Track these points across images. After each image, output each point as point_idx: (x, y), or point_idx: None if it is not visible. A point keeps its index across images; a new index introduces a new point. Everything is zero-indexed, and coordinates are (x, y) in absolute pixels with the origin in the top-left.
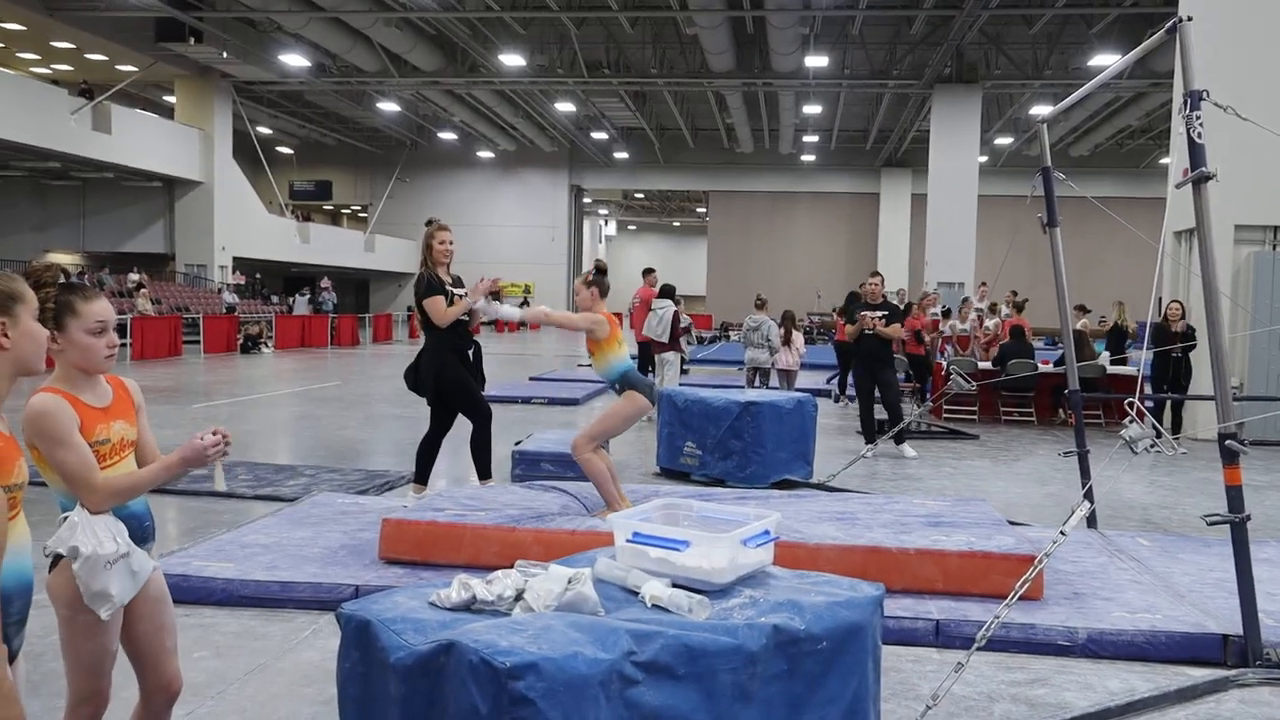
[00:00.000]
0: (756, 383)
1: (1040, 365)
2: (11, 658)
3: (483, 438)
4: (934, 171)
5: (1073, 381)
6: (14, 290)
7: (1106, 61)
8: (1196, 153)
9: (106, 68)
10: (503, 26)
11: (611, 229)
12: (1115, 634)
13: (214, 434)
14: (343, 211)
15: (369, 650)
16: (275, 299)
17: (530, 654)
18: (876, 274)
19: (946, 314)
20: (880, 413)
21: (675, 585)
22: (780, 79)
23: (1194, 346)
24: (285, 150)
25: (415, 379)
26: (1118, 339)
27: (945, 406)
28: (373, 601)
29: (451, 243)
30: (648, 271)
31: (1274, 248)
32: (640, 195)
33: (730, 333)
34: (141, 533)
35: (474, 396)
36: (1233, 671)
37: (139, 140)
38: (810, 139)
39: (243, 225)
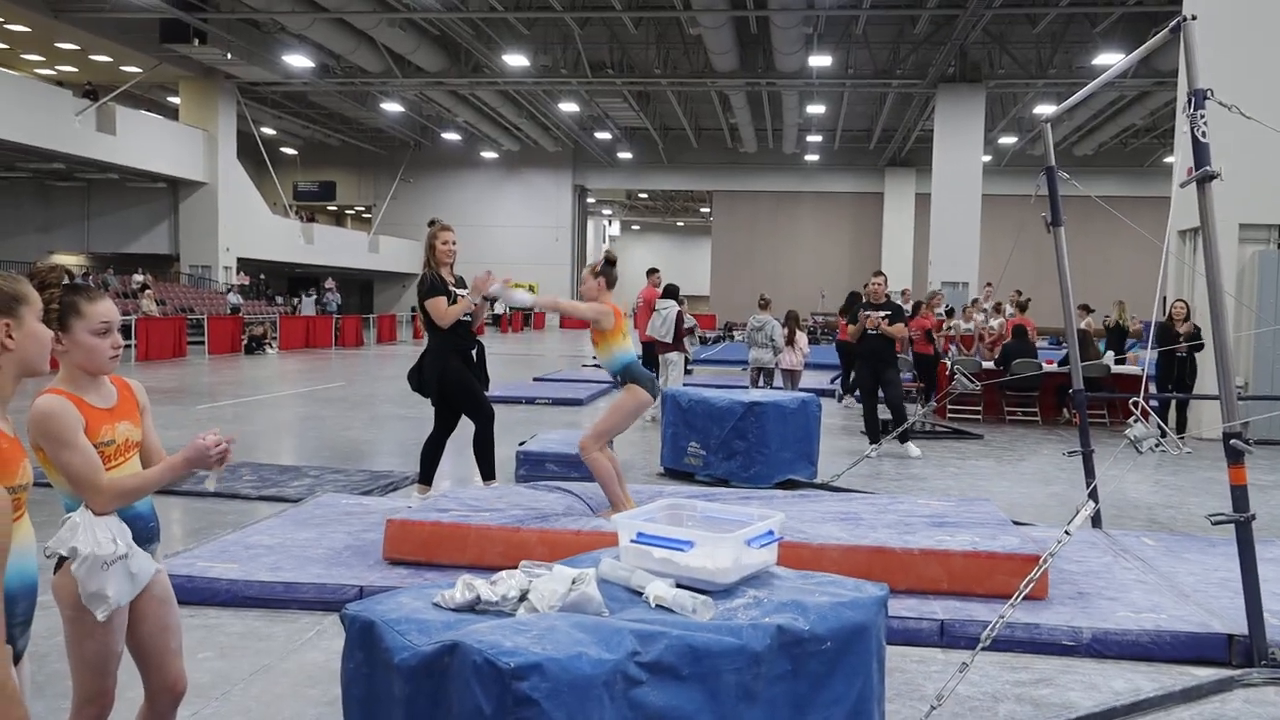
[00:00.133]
0: (760, 383)
1: (1045, 365)
2: (16, 658)
3: (485, 438)
4: (938, 171)
5: (1077, 381)
6: (18, 291)
7: (1110, 60)
8: (1201, 152)
9: (111, 69)
10: (506, 27)
11: (615, 229)
12: (1120, 634)
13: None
14: (347, 212)
15: (373, 651)
16: (280, 300)
17: (534, 654)
18: (879, 274)
19: (950, 313)
20: (884, 413)
21: (679, 586)
22: (784, 79)
23: (1201, 346)
24: (289, 151)
25: (419, 380)
26: (1118, 338)
27: (949, 406)
28: (377, 602)
29: (455, 243)
30: (651, 271)
31: (1279, 246)
32: (644, 195)
33: (734, 333)
34: (146, 533)
35: (477, 397)
36: (1238, 671)
37: (143, 141)
38: (814, 139)
39: (247, 226)
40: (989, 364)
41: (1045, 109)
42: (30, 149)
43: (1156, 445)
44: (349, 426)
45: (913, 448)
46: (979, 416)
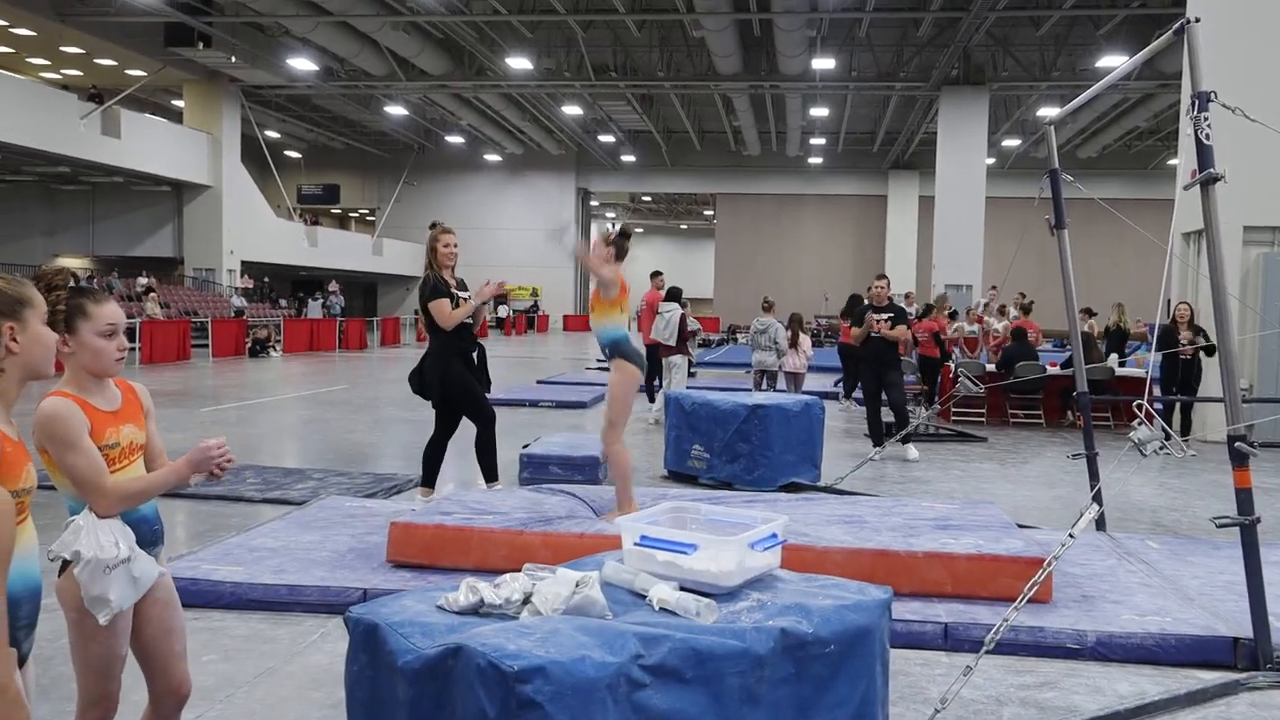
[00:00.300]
0: (764, 385)
1: (1049, 367)
2: (21, 661)
3: (486, 440)
4: (941, 173)
5: (1081, 384)
6: (22, 295)
7: (1114, 63)
8: (1204, 154)
9: (116, 73)
10: (510, 30)
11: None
12: (1125, 637)
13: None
14: (350, 215)
15: (377, 653)
16: (284, 303)
17: (538, 657)
18: (882, 276)
19: (953, 316)
20: (888, 415)
21: (683, 588)
22: (787, 81)
23: (1214, 348)
24: (293, 154)
25: (420, 382)
26: (1117, 341)
27: (953, 409)
28: (381, 605)
29: (456, 245)
30: (655, 274)
31: None
32: (647, 198)
33: (737, 335)
34: (150, 536)
35: (478, 399)
36: (1243, 675)
37: (148, 144)
38: (817, 141)
39: (251, 229)
40: (992, 366)
41: (1049, 111)
42: (35, 152)
43: (1161, 448)
44: (353, 429)
45: (911, 450)
46: (983, 419)
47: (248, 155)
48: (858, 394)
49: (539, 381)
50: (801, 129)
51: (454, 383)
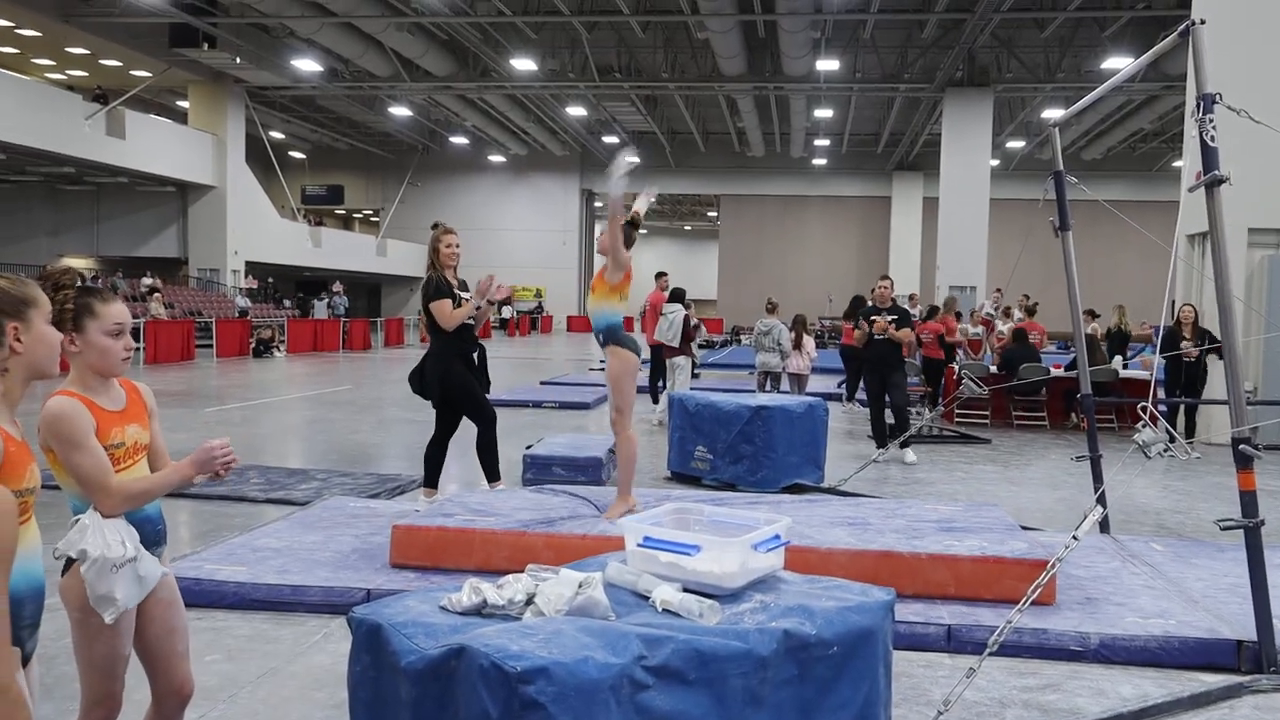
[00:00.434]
0: (767, 387)
1: (1052, 369)
2: (25, 661)
3: (487, 440)
4: (946, 175)
5: (1085, 386)
6: (26, 295)
7: (1119, 65)
8: (1209, 156)
9: (121, 73)
10: (514, 31)
11: None
12: (1128, 639)
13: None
14: (354, 216)
15: (380, 654)
16: (288, 303)
17: (541, 658)
18: (886, 278)
19: (958, 317)
20: (891, 417)
21: (686, 590)
22: (791, 83)
23: (1219, 347)
24: (297, 155)
25: (420, 382)
26: (1118, 343)
27: (957, 411)
28: (384, 605)
29: (458, 245)
30: (660, 275)
31: None
32: (651, 199)
33: (741, 336)
34: (154, 536)
35: (478, 400)
36: (1247, 677)
37: (153, 145)
38: (821, 143)
39: (255, 230)
40: (995, 368)
41: (1053, 113)
42: (40, 153)
43: (1165, 450)
44: (356, 430)
45: (909, 454)
46: (986, 421)
47: (252, 156)
48: (861, 395)
49: (542, 382)
50: (806, 130)
51: (455, 383)
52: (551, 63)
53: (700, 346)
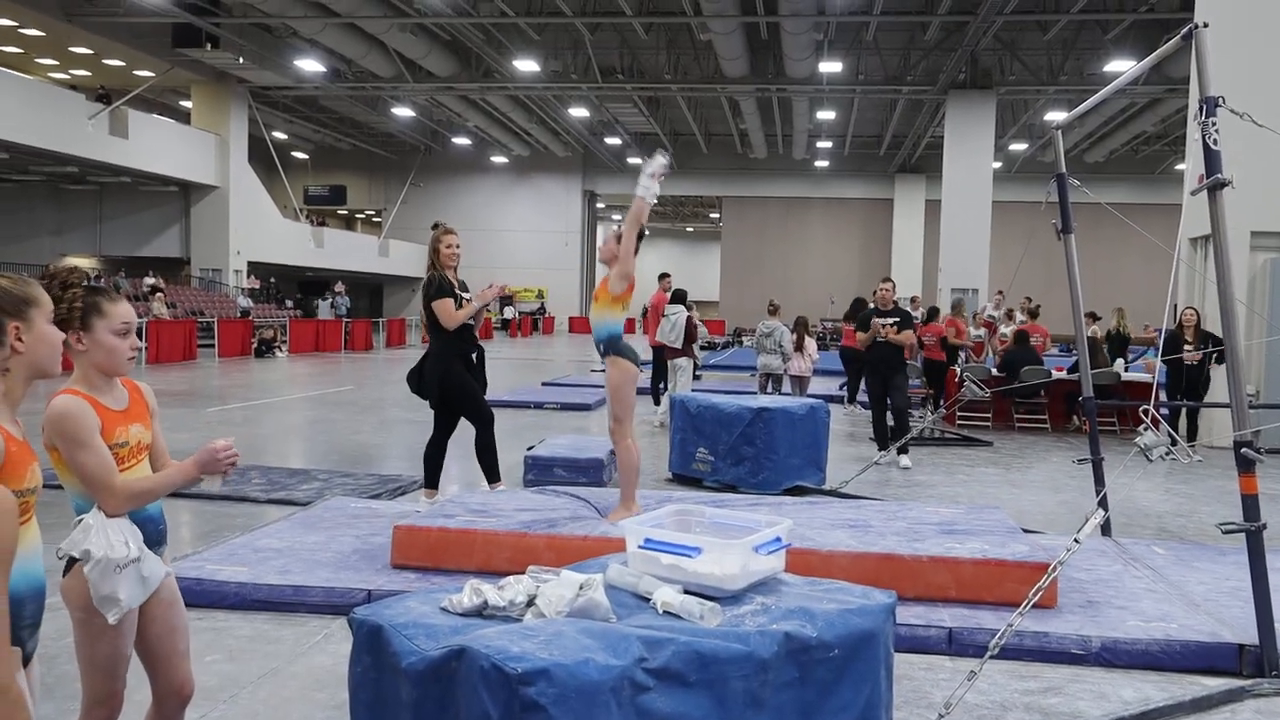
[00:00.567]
0: (769, 389)
1: (1054, 372)
2: (26, 661)
3: (486, 441)
4: (948, 177)
5: (1086, 388)
6: (28, 294)
7: (1122, 67)
8: (1212, 159)
9: (124, 73)
10: (517, 32)
11: None
12: (1130, 643)
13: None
14: (357, 216)
15: (381, 655)
16: (290, 303)
17: (542, 660)
18: (888, 280)
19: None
20: (891, 419)
21: (687, 592)
22: (794, 84)
23: (1221, 353)
24: (300, 155)
25: (419, 382)
26: (1119, 346)
27: (959, 413)
28: (385, 606)
29: (458, 246)
30: (663, 276)
31: None
32: (654, 200)
33: (743, 338)
34: (156, 535)
35: (477, 401)
36: (1248, 681)
37: (155, 145)
38: (824, 144)
39: (257, 230)
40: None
41: (1056, 115)
42: (43, 152)
43: (1167, 453)
44: (358, 430)
45: (904, 459)
46: (988, 424)
47: (255, 156)
48: (862, 397)
49: (544, 383)
50: (808, 132)
51: (453, 384)
52: (554, 64)
53: (702, 348)
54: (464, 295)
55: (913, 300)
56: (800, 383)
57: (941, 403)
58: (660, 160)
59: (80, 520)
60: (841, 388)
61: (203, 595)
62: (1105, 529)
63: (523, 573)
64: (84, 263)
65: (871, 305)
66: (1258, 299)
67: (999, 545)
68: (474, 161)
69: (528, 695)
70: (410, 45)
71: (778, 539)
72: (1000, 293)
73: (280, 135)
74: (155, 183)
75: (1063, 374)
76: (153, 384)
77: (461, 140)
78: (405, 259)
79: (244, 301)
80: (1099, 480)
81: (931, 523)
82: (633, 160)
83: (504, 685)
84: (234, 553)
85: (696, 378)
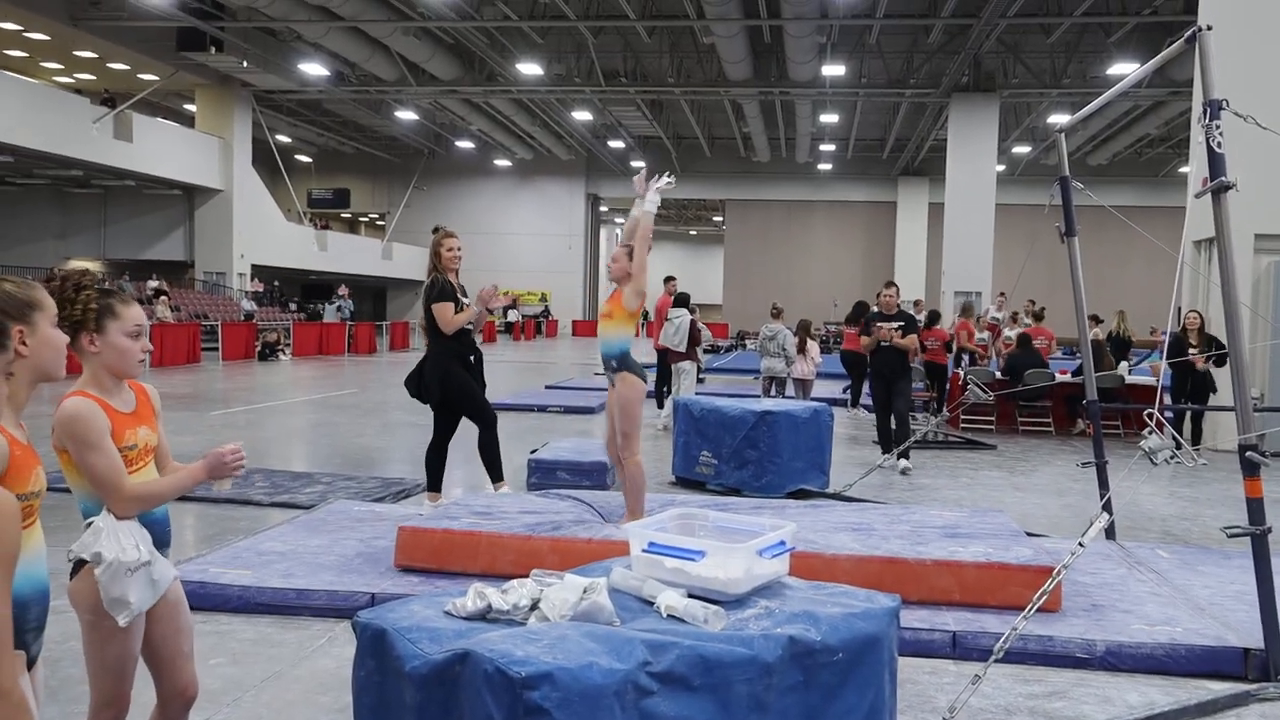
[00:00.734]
0: (772, 392)
1: (1058, 375)
2: (30, 664)
3: (490, 442)
4: (951, 180)
5: (1090, 392)
6: (31, 298)
7: (1125, 70)
8: (1216, 162)
9: (128, 77)
10: (520, 36)
11: None
12: (1134, 647)
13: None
14: (360, 220)
15: (384, 658)
16: (293, 306)
17: (545, 664)
18: (891, 284)
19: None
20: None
21: (691, 595)
22: (797, 88)
23: (1223, 357)
24: (304, 159)
25: (418, 385)
26: (1120, 349)
27: (962, 416)
28: (388, 610)
29: (459, 249)
30: (668, 279)
31: None
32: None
33: (746, 341)
34: (163, 538)
35: (479, 402)
36: (1254, 686)
37: (160, 148)
38: (827, 148)
39: (261, 233)
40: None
41: (1059, 118)
42: (48, 156)
43: (1171, 457)
44: (361, 433)
45: (902, 462)
46: (992, 427)
47: (258, 159)
48: (865, 400)
49: (547, 386)
50: (811, 135)
51: (455, 385)
52: (557, 67)
53: (705, 351)
54: (464, 300)
55: (916, 304)
56: (804, 386)
57: (944, 406)
58: (665, 183)
59: (90, 523)
60: (845, 391)
61: (206, 598)
62: (1110, 532)
63: (526, 576)
64: (88, 266)
65: (875, 309)
66: (1262, 302)
67: (1003, 549)
68: (477, 165)
69: (532, 699)
70: (414, 49)
71: (781, 543)
72: (1002, 294)
73: (284, 139)
74: (159, 186)
75: (1067, 377)
76: (157, 387)
77: (465, 144)
78: (409, 262)
79: (248, 305)
80: (1103, 484)
81: (935, 526)
82: (636, 163)
83: (508, 689)
84: (237, 556)
85: (700, 381)
